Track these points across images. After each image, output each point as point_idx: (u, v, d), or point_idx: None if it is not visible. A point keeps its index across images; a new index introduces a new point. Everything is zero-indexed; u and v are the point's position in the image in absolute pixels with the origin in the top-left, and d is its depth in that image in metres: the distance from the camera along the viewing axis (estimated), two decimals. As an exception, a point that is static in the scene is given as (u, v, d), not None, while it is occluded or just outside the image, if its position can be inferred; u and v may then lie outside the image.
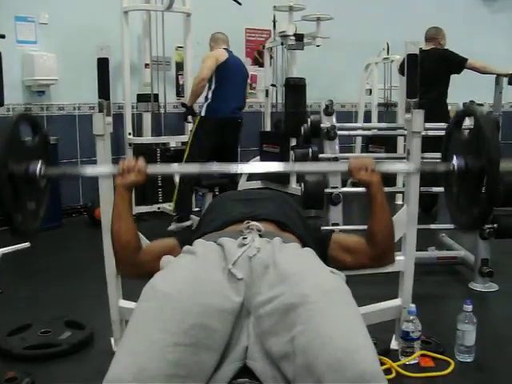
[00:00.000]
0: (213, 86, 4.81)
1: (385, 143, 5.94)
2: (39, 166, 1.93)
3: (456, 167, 1.92)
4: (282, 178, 6.01)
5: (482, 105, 4.47)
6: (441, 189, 3.94)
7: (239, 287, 1.48)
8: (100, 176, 2.34)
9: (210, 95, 4.83)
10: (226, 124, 4.89)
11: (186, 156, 4.81)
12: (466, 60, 4.89)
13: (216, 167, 2.28)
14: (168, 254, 1.86)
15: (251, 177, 6.30)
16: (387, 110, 6.89)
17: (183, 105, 5.10)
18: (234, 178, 5.35)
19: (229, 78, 4.82)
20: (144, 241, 2.15)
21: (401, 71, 5.19)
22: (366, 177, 1.93)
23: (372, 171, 1.93)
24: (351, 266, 2.01)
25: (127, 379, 1.30)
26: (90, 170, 2.11)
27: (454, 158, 1.93)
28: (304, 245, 1.76)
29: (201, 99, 4.95)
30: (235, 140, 5.11)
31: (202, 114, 4.84)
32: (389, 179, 5.64)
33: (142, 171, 1.94)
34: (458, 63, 4.91)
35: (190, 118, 5.05)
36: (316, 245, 1.89)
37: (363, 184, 1.95)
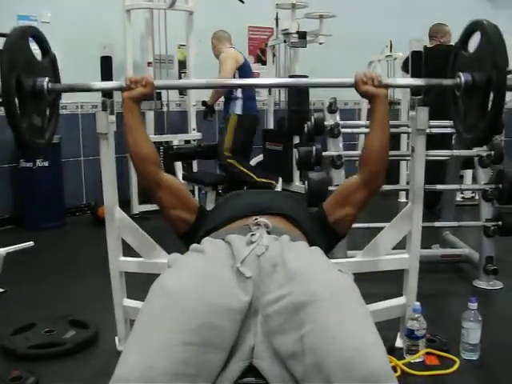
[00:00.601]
0: None
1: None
2: (47, 80, 1.99)
3: (463, 81, 1.91)
4: (285, 176, 6.00)
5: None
6: (444, 186, 3.97)
7: (247, 286, 1.47)
8: (108, 90, 2.28)
9: (239, 94, 5.08)
10: (257, 120, 5.43)
11: (229, 153, 5.02)
12: None
13: (220, 81, 2.28)
14: (184, 205, 2.03)
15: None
16: (390, 108, 6.87)
17: (204, 103, 5.26)
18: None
19: (248, 77, 5.09)
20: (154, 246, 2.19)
21: (404, 68, 5.18)
22: (371, 89, 1.96)
23: (378, 84, 1.94)
24: (355, 213, 2.05)
25: (135, 377, 1.29)
26: (97, 85, 2.17)
27: (461, 73, 1.93)
28: (311, 243, 1.76)
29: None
30: (255, 135, 5.48)
31: (238, 112, 5.12)
32: (392, 176, 5.64)
33: (149, 83, 2.00)
34: None
35: (209, 116, 5.33)
36: (319, 230, 1.90)
37: (368, 97, 1.97)
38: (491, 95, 1.83)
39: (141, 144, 2.01)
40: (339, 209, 2.03)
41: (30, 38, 2.05)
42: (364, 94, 2.02)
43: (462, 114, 2.06)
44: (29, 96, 1.92)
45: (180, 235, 2.11)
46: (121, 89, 2.05)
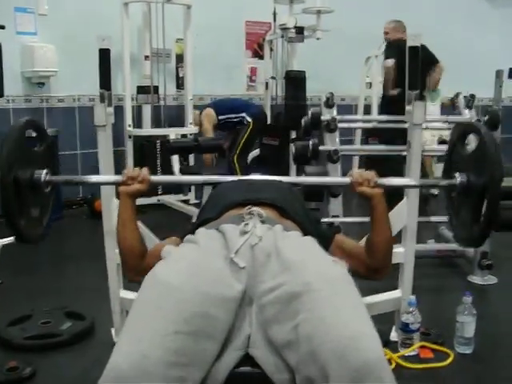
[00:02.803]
0: None
1: (384, 136, 5.92)
2: (44, 172, 1.97)
3: (458, 182, 1.94)
4: (282, 171, 6.00)
5: (473, 96, 4.45)
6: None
7: (241, 276, 1.48)
8: (104, 184, 2.35)
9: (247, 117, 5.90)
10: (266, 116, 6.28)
11: (237, 154, 5.75)
12: None
13: (220, 178, 2.27)
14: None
15: (252, 169, 6.29)
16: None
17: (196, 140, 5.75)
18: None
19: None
20: (153, 240, 2.18)
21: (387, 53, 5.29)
22: (367, 190, 1.95)
23: (374, 185, 1.94)
24: (352, 267, 2.00)
25: (129, 367, 1.30)
26: (94, 179, 2.16)
27: (457, 174, 1.95)
28: (305, 233, 1.77)
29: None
30: None
31: (253, 117, 5.87)
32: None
33: (145, 180, 1.97)
34: None
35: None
36: (318, 237, 1.89)
37: (364, 197, 1.96)
38: (485, 201, 1.84)
39: (130, 239, 1.94)
40: (341, 254, 1.96)
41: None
42: (360, 195, 2.00)
43: (456, 210, 2.08)
44: (27, 190, 1.90)
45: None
46: (117, 183, 2.03)
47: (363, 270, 1.94)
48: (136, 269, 1.92)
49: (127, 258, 1.95)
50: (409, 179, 2.40)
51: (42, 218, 2.07)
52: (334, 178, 2.18)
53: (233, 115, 5.82)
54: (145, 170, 1.98)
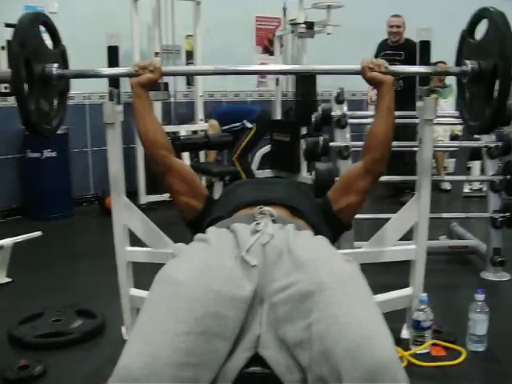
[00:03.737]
0: None
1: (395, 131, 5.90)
2: (56, 66, 2.02)
3: (469, 68, 1.93)
4: (292, 167, 6.00)
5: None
6: (453, 177, 3.94)
7: (252, 275, 1.47)
8: (116, 76, 2.32)
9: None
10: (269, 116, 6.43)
11: (237, 155, 5.88)
12: None
13: (229, 67, 2.32)
14: (193, 192, 2.07)
15: (262, 165, 6.30)
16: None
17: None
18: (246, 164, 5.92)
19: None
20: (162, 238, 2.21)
21: None
22: (377, 76, 2.00)
23: (385, 71, 1.97)
24: (358, 200, 2.08)
25: (139, 367, 1.29)
26: (106, 71, 2.22)
27: (467, 60, 1.94)
28: (316, 232, 1.76)
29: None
30: None
31: (256, 121, 6.02)
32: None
33: (156, 69, 2.04)
34: None
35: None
36: (324, 219, 1.91)
37: (374, 83, 2.01)
38: (497, 83, 1.84)
39: (150, 128, 2.05)
40: (343, 197, 2.05)
41: (42, 28, 2.06)
42: (370, 81, 2.05)
43: (468, 101, 2.07)
44: (37, 80, 1.92)
45: (187, 222, 2.11)
46: (129, 75, 2.06)
47: (365, 179, 2.05)
48: (161, 159, 2.06)
49: (154, 151, 2.06)
50: (420, 67, 2.33)
51: (52, 114, 2.11)
52: (345, 65, 2.19)
53: (235, 124, 5.96)
54: (155, 59, 2.02)
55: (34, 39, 1.92)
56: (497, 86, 1.85)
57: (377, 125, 2.05)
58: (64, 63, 2.19)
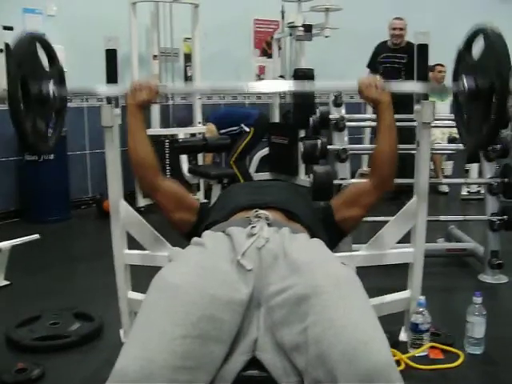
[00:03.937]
0: None
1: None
2: (52, 84, 2.02)
3: (466, 86, 1.93)
4: (290, 170, 6.00)
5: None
6: (451, 180, 3.94)
7: (248, 278, 1.47)
8: (111, 95, 2.31)
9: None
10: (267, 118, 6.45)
11: (234, 158, 5.82)
12: None
13: (227, 84, 2.32)
14: (183, 208, 2.06)
15: (260, 168, 6.30)
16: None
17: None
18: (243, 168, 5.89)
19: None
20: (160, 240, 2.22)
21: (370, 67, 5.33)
22: (375, 94, 1.97)
23: (382, 89, 1.95)
24: (362, 214, 2.09)
25: (135, 370, 1.30)
26: (102, 89, 2.22)
27: (464, 77, 1.94)
28: (312, 235, 1.76)
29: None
30: None
31: (254, 124, 5.99)
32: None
33: (153, 89, 2.02)
34: None
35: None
36: (323, 226, 1.90)
37: (372, 102, 1.99)
38: (494, 101, 1.84)
39: (140, 149, 2.05)
40: (347, 208, 2.06)
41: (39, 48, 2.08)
42: (367, 100, 2.03)
43: (465, 118, 2.07)
44: (34, 99, 1.92)
45: (183, 235, 2.11)
46: (125, 94, 2.05)
47: (371, 195, 2.05)
48: (148, 180, 2.06)
49: (141, 171, 2.06)
50: (416, 83, 2.33)
51: (51, 131, 2.12)
52: (342, 82, 2.18)
53: (233, 128, 5.92)
54: (152, 80, 2.01)
55: (31, 57, 1.92)
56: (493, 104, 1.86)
57: (381, 146, 2.04)
58: (61, 82, 2.18)
